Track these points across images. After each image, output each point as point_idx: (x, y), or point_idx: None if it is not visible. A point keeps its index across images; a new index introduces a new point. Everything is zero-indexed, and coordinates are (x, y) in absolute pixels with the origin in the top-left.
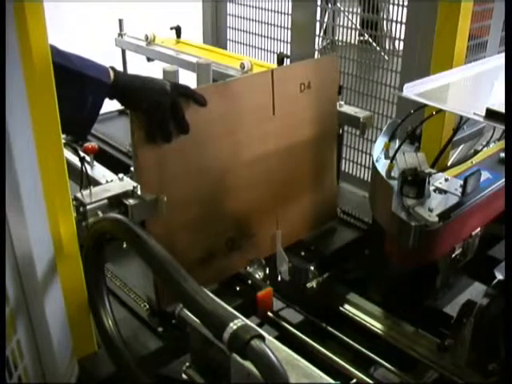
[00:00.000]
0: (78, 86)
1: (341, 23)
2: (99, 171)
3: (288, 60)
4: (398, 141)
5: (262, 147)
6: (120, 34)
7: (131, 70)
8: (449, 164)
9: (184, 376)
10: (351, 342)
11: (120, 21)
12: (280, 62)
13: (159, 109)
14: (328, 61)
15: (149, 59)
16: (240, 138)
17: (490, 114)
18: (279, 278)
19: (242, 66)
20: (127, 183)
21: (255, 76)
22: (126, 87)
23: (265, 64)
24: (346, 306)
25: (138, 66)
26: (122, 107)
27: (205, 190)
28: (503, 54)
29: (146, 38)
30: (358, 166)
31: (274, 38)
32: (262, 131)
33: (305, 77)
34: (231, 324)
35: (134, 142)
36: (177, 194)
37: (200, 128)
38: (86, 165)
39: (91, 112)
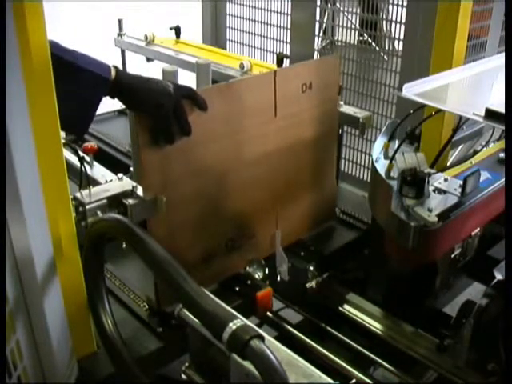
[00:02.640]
0: (77, 79)
1: (340, 23)
2: (98, 171)
3: (287, 60)
4: (397, 141)
5: (263, 147)
6: (119, 34)
7: (130, 70)
8: (448, 164)
9: (183, 376)
10: (351, 342)
11: (119, 21)
12: (280, 62)
13: (162, 111)
14: (329, 61)
15: (148, 59)
16: (242, 139)
17: (490, 114)
18: (279, 278)
19: (242, 67)
20: (126, 183)
21: (258, 77)
22: (129, 87)
23: (264, 64)
24: (346, 306)
25: (138, 67)
26: (122, 107)
27: (206, 191)
28: (503, 54)
29: (146, 38)
30: (358, 166)
31: (273, 38)
32: (263, 131)
33: (307, 77)
34: (231, 324)
35: (137, 145)
36: (178, 195)
37: (202, 129)
38: (86, 165)
39: (89, 108)
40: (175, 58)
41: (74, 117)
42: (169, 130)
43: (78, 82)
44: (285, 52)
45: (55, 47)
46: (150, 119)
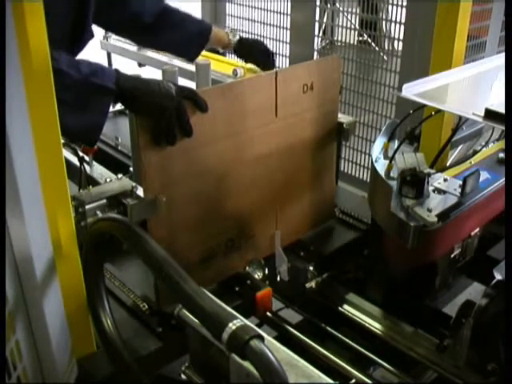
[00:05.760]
0: (85, 93)
1: (340, 23)
2: (98, 171)
3: (287, 61)
4: (397, 141)
5: (263, 148)
6: (105, 37)
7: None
8: (448, 164)
9: (183, 376)
10: (350, 342)
11: None
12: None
13: (165, 113)
14: (331, 62)
15: (140, 64)
16: (242, 139)
17: (489, 114)
18: (278, 278)
19: (235, 73)
20: (126, 183)
21: (259, 77)
22: (131, 91)
23: (258, 70)
24: (345, 306)
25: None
26: (122, 107)
27: (206, 191)
28: (502, 54)
29: None
30: (357, 166)
31: (273, 39)
32: (264, 132)
33: (308, 78)
34: (230, 324)
35: (138, 146)
36: (178, 195)
37: (203, 129)
38: (85, 165)
39: (99, 118)
40: (169, 64)
41: (84, 129)
42: (171, 131)
43: (87, 95)
44: (284, 52)
45: (61, 60)
46: (150, 120)
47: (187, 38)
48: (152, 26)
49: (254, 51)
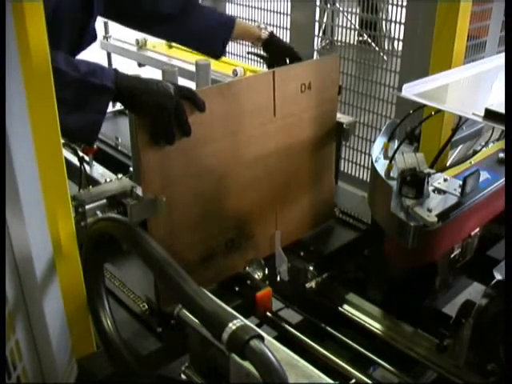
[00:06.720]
0: (83, 92)
1: (340, 23)
2: (98, 171)
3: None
4: (397, 141)
5: (262, 147)
6: (105, 37)
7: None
8: (448, 164)
9: (183, 376)
10: (350, 343)
11: (105, 23)
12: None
13: (164, 113)
14: (329, 61)
15: (140, 64)
16: (241, 139)
17: (489, 115)
18: (278, 278)
19: (235, 73)
20: (126, 183)
21: (257, 77)
22: (130, 90)
23: (258, 70)
24: (345, 307)
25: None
26: (122, 107)
27: (206, 191)
28: (502, 54)
29: (137, 42)
30: (357, 167)
31: None
32: (262, 132)
33: (305, 77)
34: (230, 324)
35: (137, 145)
36: (178, 195)
37: (202, 129)
38: (85, 165)
39: (98, 117)
40: (169, 64)
41: (83, 128)
42: (169, 130)
43: (85, 94)
44: None
45: (60, 60)
46: (149, 119)
47: (210, 29)
48: (174, 17)
49: (283, 49)
